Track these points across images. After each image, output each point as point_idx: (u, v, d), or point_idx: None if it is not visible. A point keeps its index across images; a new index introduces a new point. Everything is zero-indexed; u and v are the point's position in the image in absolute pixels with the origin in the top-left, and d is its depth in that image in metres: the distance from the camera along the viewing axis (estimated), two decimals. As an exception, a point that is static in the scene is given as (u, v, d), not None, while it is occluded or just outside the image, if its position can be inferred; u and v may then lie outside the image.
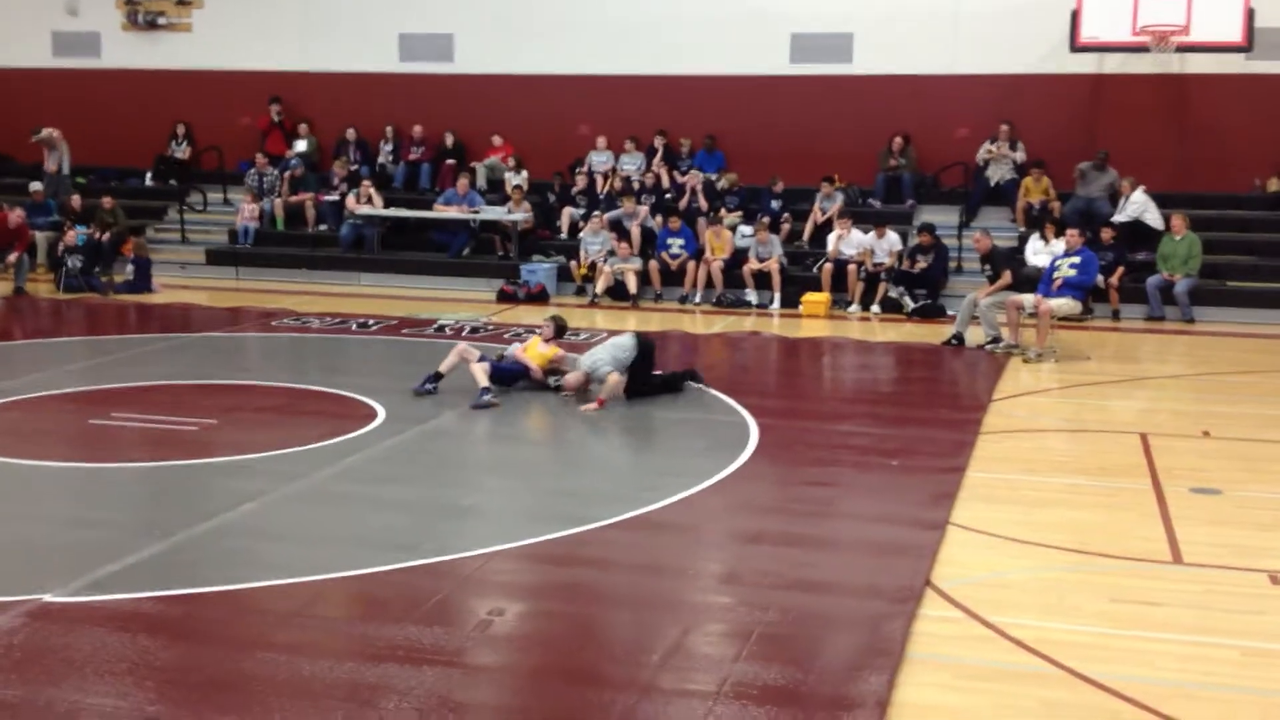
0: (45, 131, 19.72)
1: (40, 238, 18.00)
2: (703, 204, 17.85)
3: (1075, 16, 16.56)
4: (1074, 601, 6.02)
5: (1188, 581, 6.36)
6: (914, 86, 18.22)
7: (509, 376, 10.53)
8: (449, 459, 8.81)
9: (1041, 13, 17.36)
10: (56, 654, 5.18)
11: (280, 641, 5.37)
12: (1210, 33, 16.12)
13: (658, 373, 10.54)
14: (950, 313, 14.05)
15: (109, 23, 21.28)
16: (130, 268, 17.10)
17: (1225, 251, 16.47)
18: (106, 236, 17.60)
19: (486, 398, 9.99)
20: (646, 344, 10.36)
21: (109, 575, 6.06)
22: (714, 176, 18.39)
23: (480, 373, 10.22)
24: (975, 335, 13.42)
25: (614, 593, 6.13)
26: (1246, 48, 16.20)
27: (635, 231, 17.39)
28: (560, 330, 11.05)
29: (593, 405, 9.90)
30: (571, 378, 10.33)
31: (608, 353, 10.25)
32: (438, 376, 10.43)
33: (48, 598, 5.74)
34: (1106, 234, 15.88)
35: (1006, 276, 13.56)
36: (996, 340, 13.09)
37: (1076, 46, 16.78)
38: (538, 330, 11.27)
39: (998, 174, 17.87)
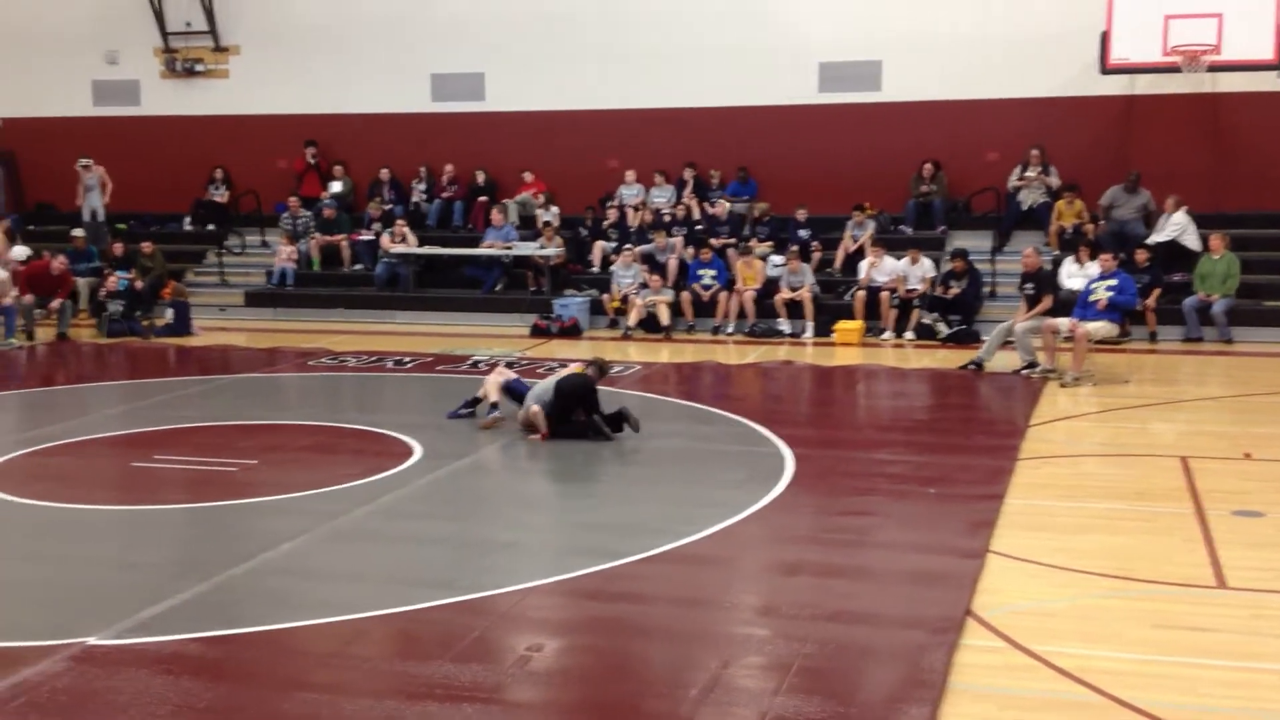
0: (90, 163, 19.89)
1: (82, 283, 18.25)
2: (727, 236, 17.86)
3: (1105, 38, 16.51)
4: (1117, 629, 5.95)
5: (1233, 606, 6.27)
6: (943, 112, 18.23)
7: (518, 397, 10.62)
8: (485, 495, 8.84)
9: (1071, 36, 17.33)
10: (101, 697, 5.22)
11: (320, 681, 5.39)
12: (1242, 51, 16.02)
13: (595, 416, 10.12)
14: (984, 338, 13.97)
15: (148, 71, 21.66)
16: (170, 311, 17.31)
17: (1262, 271, 16.32)
18: (142, 283, 17.80)
19: (494, 414, 10.45)
20: (565, 388, 10.15)
21: (152, 617, 6.11)
22: (745, 205, 18.43)
23: (493, 388, 10.62)
24: (1005, 361, 13.33)
25: (652, 626, 6.11)
26: (1279, 65, 16.09)
27: (671, 263, 17.45)
28: (601, 372, 11.03)
29: (536, 436, 10.05)
30: (520, 414, 10.39)
31: (537, 390, 10.34)
32: (474, 402, 10.77)
33: (92, 641, 5.79)
34: (1141, 256, 15.77)
35: (1048, 301, 13.46)
36: (1033, 365, 13.00)
37: (1107, 69, 16.73)
38: (577, 364, 11.21)
39: (1030, 198, 17.82)
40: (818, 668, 5.49)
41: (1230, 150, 17.37)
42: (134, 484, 9.17)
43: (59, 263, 17.24)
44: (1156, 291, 15.55)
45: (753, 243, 17.68)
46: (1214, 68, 16.39)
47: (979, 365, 13.30)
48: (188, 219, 21.18)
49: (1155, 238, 16.37)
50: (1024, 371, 12.97)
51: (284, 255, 19.22)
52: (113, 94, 21.79)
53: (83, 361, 15.39)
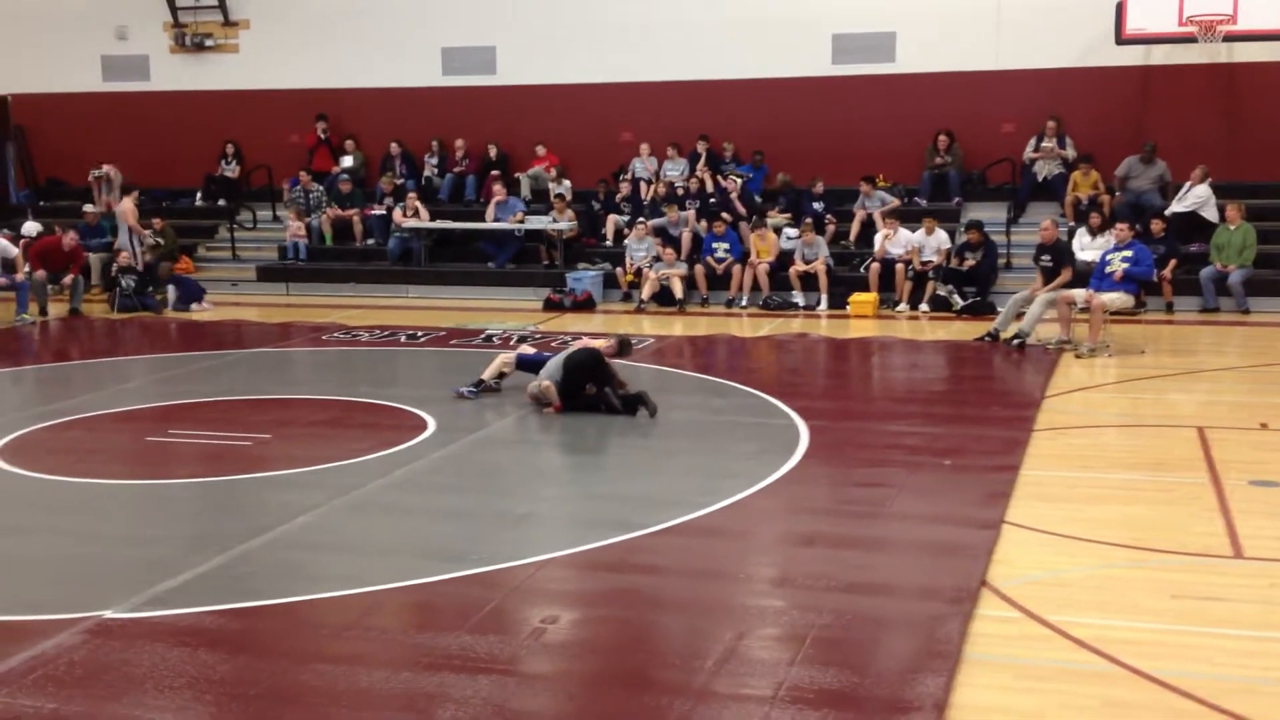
0: (105, 169, 20.06)
1: (94, 259, 18.29)
2: (740, 209, 17.82)
3: (1120, 9, 16.39)
4: (1133, 599, 5.93)
5: (1250, 576, 6.25)
6: (958, 83, 18.11)
7: (535, 367, 10.61)
8: (500, 468, 8.84)
9: (1086, 6, 17.20)
10: (117, 670, 5.24)
11: (337, 653, 5.41)
12: (1259, 21, 15.90)
13: (606, 389, 10.07)
14: (1000, 310, 13.90)
15: (157, 46, 21.61)
16: (170, 288, 17.31)
17: (1279, 241, 16.20)
18: (150, 257, 17.85)
19: (467, 391, 10.57)
20: (572, 361, 10.12)
21: (168, 590, 6.13)
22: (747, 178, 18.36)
23: (497, 365, 10.75)
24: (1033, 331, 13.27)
25: (667, 598, 6.11)
26: (1295, 34, 15.95)
27: (686, 236, 17.40)
28: (623, 349, 11.00)
29: (549, 409, 10.06)
30: (531, 387, 10.37)
31: (550, 366, 10.32)
32: (479, 384, 10.72)
33: (108, 614, 5.81)
34: (1157, 226, 15.67)
35: (1067, 273, 13.40)
36: (1022, 339, 12.83)
37: (1122, 39, 16.61)
38: (601, 340, 11.17)
39: (1045, 169, 17.72)
40: (833, 639, 5.48)
41: (1246, 120, 17.23)
42: (149, 458, 9.19)
43: (70, 237, 17.27)
44: (1173, 262, 15.46)
45: (771, 214, 17.61)
46: (1230, 38, 16.27)
47: (994, 336, 13.25)
48: (199, 194, 21.17)
49: (1175, 208, 16.26)
50: (1014, 344, 12.85)
51: (293, 230, 19.21)
52: (122, 69, 21.75)
53: (95, 337, 15.43)
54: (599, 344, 10.68)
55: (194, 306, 17.09)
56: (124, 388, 11.65)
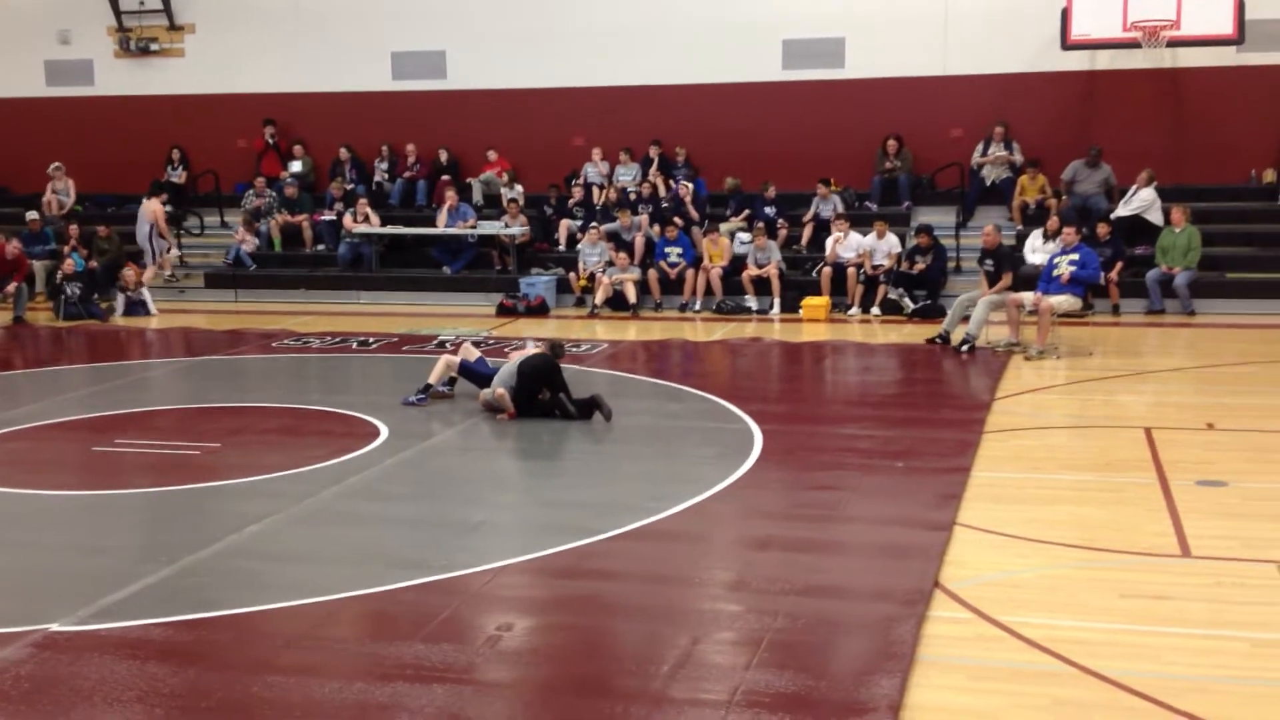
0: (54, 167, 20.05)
1: (38, 266, 18.01)
2: (693, 214, 17.88)
3: (1065, 15, 16.58)
4: (1084, 598, 6.00)
5: (1197, 575, 6.34)
6: (907, 89, 18.25)
7: (479, 378, 10.57)
8: (454, 474, 8.80)
9: (1031, 12, 17.38)
10: (65, 684, 5.16)
11: (289, 664, 5.35)
12: (1201, 26, 16.14)
13: (561, 395, 10.06)
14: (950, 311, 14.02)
15: (101, 50, 21.32)
16: (120, 299, 17.08)
17: (1224, 243, 16.47)
18: (96, 264, 17.64)
19: (415, 398, 10.54)
20: (527, 367, 10.10)
21: (116, 602, 6.04)
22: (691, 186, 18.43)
23: (441, 367, 10.70)
24: (982, 336, 13.39)
25: (623, 604, 6.11)
26: (1238, 40, 16.22)
27: (639, 241, 17.41)
28: (556, 353, 10.93)
29: (503, 416, 10.02)
30: (484, 394, 10.36)
31: (502, 373, 10.30)
32: (427, 389, 10.65)
33: (55, 627, 5.72)
34: (1103, 229, 15.87)
35: (1008, 278, 13.56)
36: (972, 343, 12.95)
37: (1068, 45, 16.81)
38: (534, 345, 11.19)
39: (994, 173, 17.90)
40: (788, 642, 5.50)
41: (1190, 124, 17.50)
42: (96, 468, 9.06)
43: (14, 245, 17.00)
44: (1119, 265, 15.66)
45: (728, 221, 17.64)
46: (1173, 43, 16.51)
47: (945, 339, 13.36)
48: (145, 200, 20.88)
49: (1120, 211, 16.48)
50: (963, 348, 12.96)
51: (238, 236, 19.06)
52: (66, 74, 21.45)
53: (40, 345, 15.19)
54: (534, 349, 10.61)
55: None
56: (69, 397, 11.48)
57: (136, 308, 17.02)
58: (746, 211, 17.89)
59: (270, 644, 5.61)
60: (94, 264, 17.53)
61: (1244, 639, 5.49)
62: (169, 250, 18.68)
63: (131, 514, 7.88)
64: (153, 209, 18.56)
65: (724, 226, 17.42)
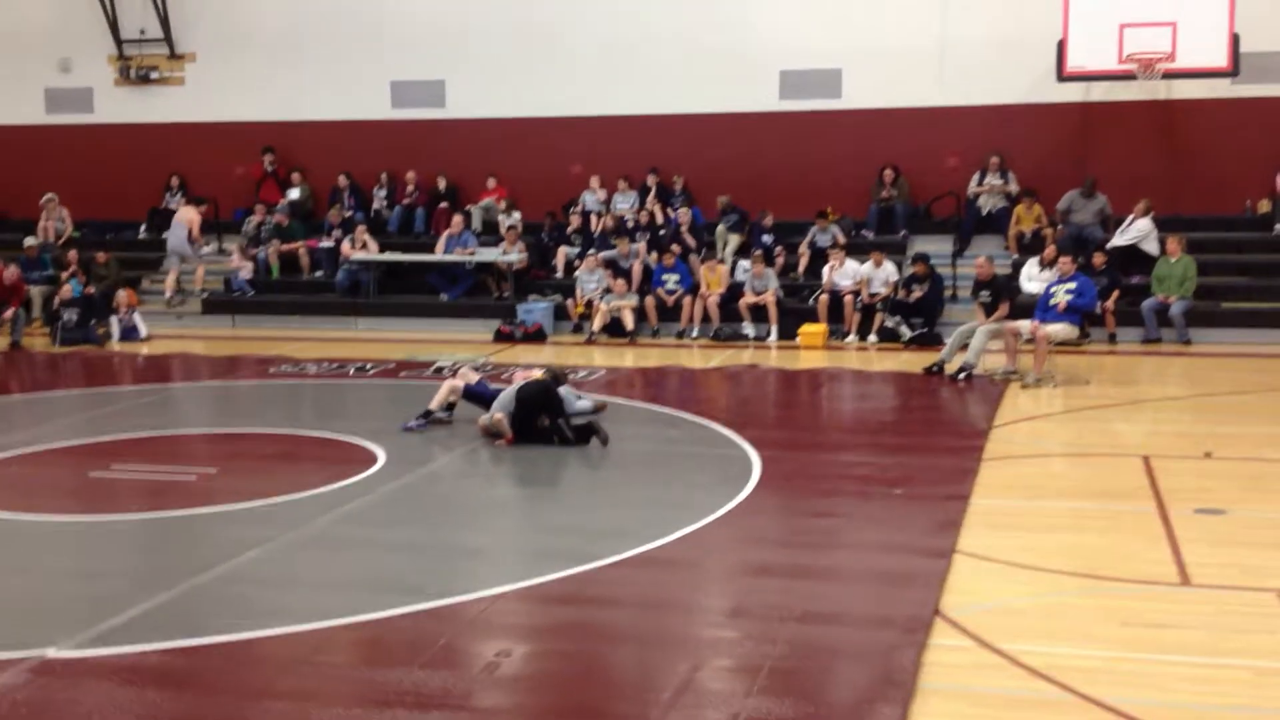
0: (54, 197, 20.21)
1: (35, 292, 18.03)
2: (690, 241, 17.94)
3: (1061, 47, 16.67)
4: (1084, 627, 5.99)
5: (1197, 603, 6.33)
6: (903, 119, 18.34)
7: (483, 400, 10.58)
8: (451, 501, 8.78)
9: (1027, 44, 17.46)
10: (61, 710, 5.13)
11: (287, 690, 5.32)
12: (1196, 59, 16.22)
13: (560, 420, 10.04)
14: (947, 341, 14.05)
15: (102, 79, 21.39)
16: (114, 322, 17.08)
17: (1219, 273, 16.53)
18: (93, 290, 17.66)
19: (415, 424, 10.50)
20: (525, 393, 10.09)
21: (113, 628, 6.01)
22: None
23: (444, 392, 10.68)
24: (981, 364, 13.40)
25: (622, 631, 6.09)
26: (1233, 72, 16.31)
27: (636, 268, 17.46)
28: (557, 380, 10.91)
29: (501, 441, 10.00)
30: (482, 420, 10.35)
31: (501, 398, 10.31)
32: (427, 414, 10.63)
33: (51, 653, 5.69)
34: (1099, 259, 15.91)
35: (1004, 308, 13.59)
36: (969, 370, 12.95)
37: (1063, 76, 16.90)
38: (535, 371, 11.17)
39: (989, 203, 17.98)
40: (788, 669, 5.48)
41: (1185, 155, 17.58)
42: (92, 494, 9.03)
43: (11, 271, 17.02)
44: (1115, 294, 15.70)
45: (729, 238, 17.75)
46: (1168, 75, 16.60)
47: (940, 368, 13.37)
48: (143, 227, 20.94)
49: (1116, 241, 16.53)
50: (960, 376, 12.96)
51: (233, 263, 19.10)
52: (66, 102, 21.50)
53: (37, 371, 15.18)
54: (535, 374, 10.60)
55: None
56: (66, 422, 11.45)
57: (130, 332, 17.01)
58: (746, 228, 18.01)
59: (267, 670, 5.58)
60: (91, 290, 17.53)
61: (1246, 667, 5.47)
62: (203, 251, 19.03)
63: (128, 539, 7.85)
64: (189, 216, 18.73)
65: (728, 245, 17.47)
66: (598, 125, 19.36)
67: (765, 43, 18.68)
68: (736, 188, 18.58)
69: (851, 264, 16.66)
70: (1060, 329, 12.99)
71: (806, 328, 16.07)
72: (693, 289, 16.97)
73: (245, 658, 5.73)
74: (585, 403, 11.15)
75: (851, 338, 16.10)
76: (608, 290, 17.03)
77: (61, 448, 10.33)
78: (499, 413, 10.10)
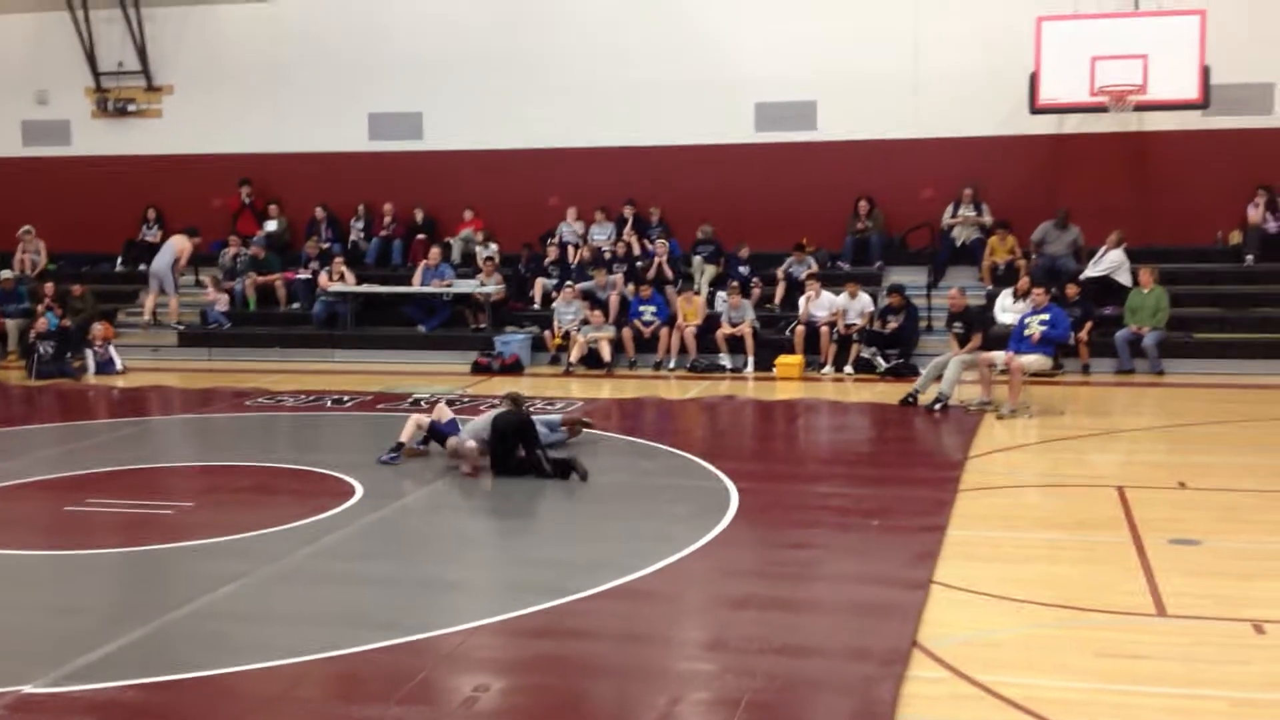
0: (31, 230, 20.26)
1: (11, 325, 17.93)
2: (667, 273, 18.03)
3: (1034, 79, 16.84)
4: (1060, 658, 6.02)
5: (1173, 634, 6.36)
6: (878, 151, 18.50)
7: (446, 440, 10.56)
8: (429, 534, 8.76)
9: (1000, 76, 17.63)
10: (36, 746, 5.09)
11: (264, 726, 5.29)
12: (1167, 91, 16.40)
13: (538, 452, 9.98)
14: (922, 371, 14.13)
15: (79, 111, 21.39)
16: (89, 354, 17.00)
17: (1191, 304, 16.68)
18: (69, 323, 17.60)
19: (388, 457, 10.44)
20: (503, 423, 10.06)
21: (89, 664, 5.97)
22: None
23: (411, 427, 10.62)
24: (954, 395, 13.48)
25: (600, 664, 6.08)
26: (1204, 104, 16.50)
27: (613, 299, 17.50)
28: (516, 406, 10.85)
29: (468, 469, 9.99)
30: (452, 442, 10.34)
31: (473, 426, 10.31)
32: (399, 447, 10.59)
33: (28, 689, 5.64)
34: (1072, 290, 16.05)
35: (977, 339, 13.68)
36: (944, 402, 12.99)
37: (1036, 108, 17.05)
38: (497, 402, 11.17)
39: (964, 234, 18.12)
40: (767, 702, 5.48)
41: (1157, 186, 17.78)
42: (68, 528, 8.96)
43: (-13, 304, 16.93)
44: (1089, 325, 15.83)
45: (696, 262, 17.88)
46: (1140, 107, 16.79)
47: (914, 399, 13.43)
48: (119, 259, 20.88)
49: (1089, 272, 16.68)
50: (936, 407, 13.02)
51: (209, 296, 19.07)
52: (43, 134, 21.48)
53: (12, 404, 15.07)
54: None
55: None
56: (41, 456, 11.38)
57: (106, 365, 16.94)
58: (722, 259, 18.10)
59: (244, 705, 5.55)
60: (67, 323, 17.46)
61: (1222, 698, 5.50)
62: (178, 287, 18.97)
63: (104, 574, 7.81)
64: (181, 244, 18.70)
65: (703, 272, 17.57)
66: (574, 157, 19.45)
67: (741, 75, 18.82)
68: (713, 219, 18.70)
69: (827, 295, 16.75)
70: (1034, 360, 13.08)
71: (783, 359, 16.13)
72: (670, 320, 17.03)
73: (222, 693, 5.70)
74: (559, 434, 11.09)
75: (828, 369, 16.18)
76: (585, 321, 17.07)
77: (37, 481, 10.26)
78: (470, 440, 10.07)
